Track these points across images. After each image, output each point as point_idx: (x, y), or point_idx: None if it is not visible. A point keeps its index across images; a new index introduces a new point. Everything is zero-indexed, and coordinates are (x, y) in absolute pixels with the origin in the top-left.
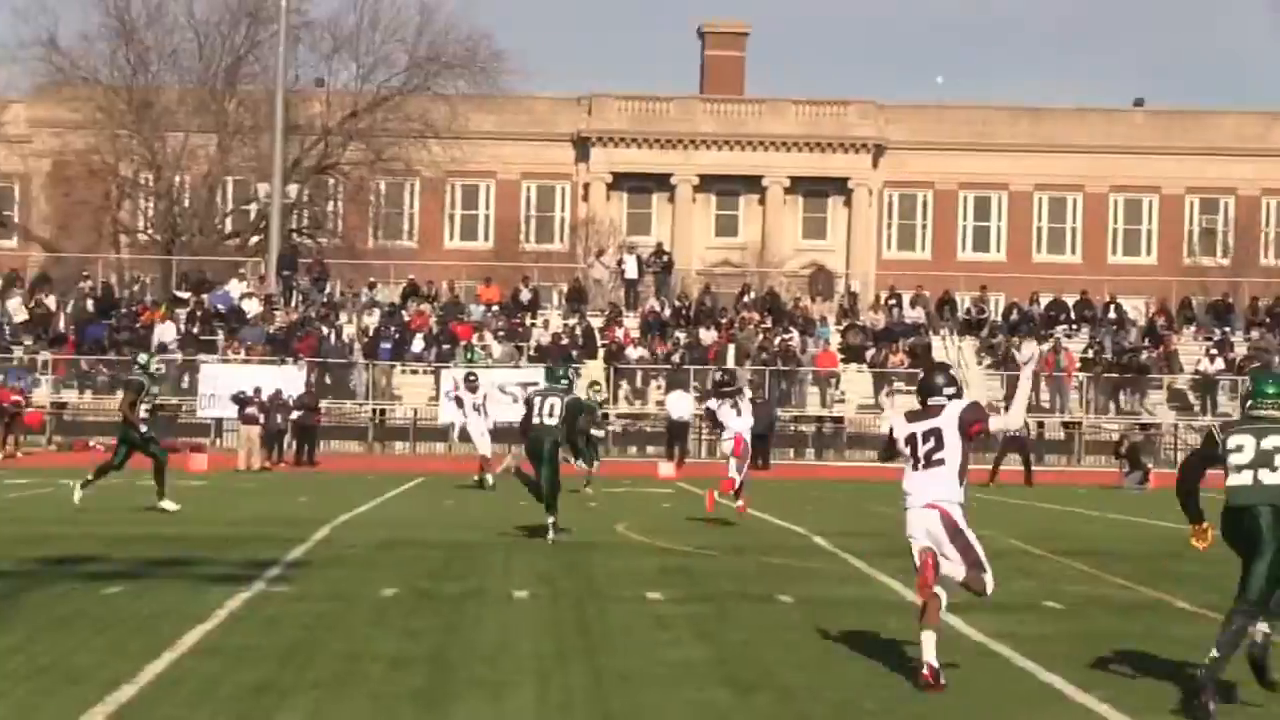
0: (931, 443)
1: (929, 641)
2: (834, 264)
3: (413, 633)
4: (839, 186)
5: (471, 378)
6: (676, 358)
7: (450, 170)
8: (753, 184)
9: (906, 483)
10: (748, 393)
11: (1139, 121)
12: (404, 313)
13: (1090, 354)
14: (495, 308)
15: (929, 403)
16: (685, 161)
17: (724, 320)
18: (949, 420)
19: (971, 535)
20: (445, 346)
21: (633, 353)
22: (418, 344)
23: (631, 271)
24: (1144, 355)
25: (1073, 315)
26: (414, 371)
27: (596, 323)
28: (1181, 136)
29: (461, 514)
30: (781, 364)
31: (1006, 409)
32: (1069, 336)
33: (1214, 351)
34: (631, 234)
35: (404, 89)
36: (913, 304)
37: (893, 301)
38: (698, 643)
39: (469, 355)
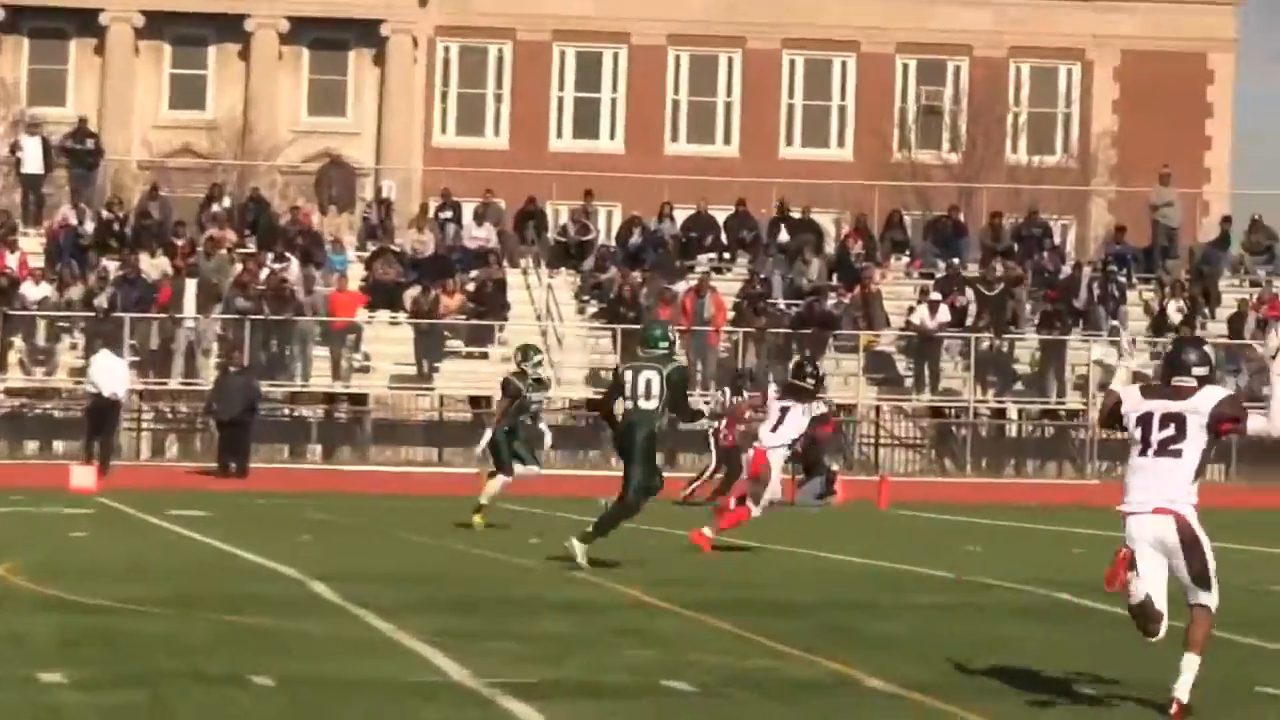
0: (1171, 429)
1: (1189, 670)
2: (357, 155)
3: None
4: (366, 34)
5: None
6: (104, 300)
7: None
8: (229, 27)
9: (1130, 471)
10: (820, 407)
11: None
12: None
13: (749, 298)
14: None
15: (1174, 382)
16: None
17: (181, 241)
18: (1199, 409)
19: (1208, 544)
20: None
21: (33, 291)
22: None
23: (33, 163)
24: (831, 300)
25: (724, 237)
26: None
27: None
28: None
29: None
30: (270, 311)
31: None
32: (718, 270)
33: (936, 295)
34: (35, 104)
35: None
36: (479, 219)
37: (448, 215)
38: None
39: None
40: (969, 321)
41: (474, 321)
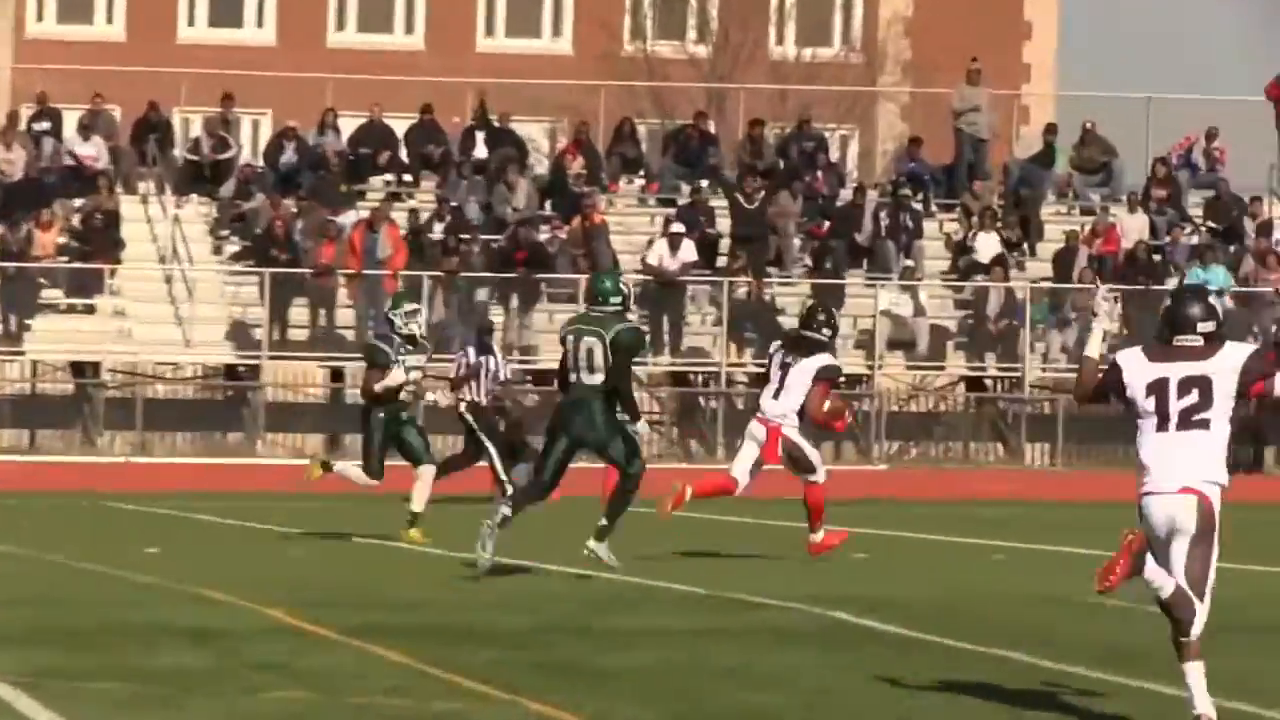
0: (1194, 395)
1: (1196, 679)
2: None
3: None
4: None
5: None
6: None
7: None
8: None
9: (1149, 451)
10: (828, 358)
11: None
12: None
13: (431, 235)
14: None
15: (1178, 341)
16: None
17: None
18: (1225, 368)
19: (1215, 547)
20: None
21: None
22: None
23: None
24: (543, 234)
25: (404, 153)
26: None
27: None
28: None
29: None
30: None
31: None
32: (397, 197)
33: (678, 228)
34: None
35: None
36: (85, 131)
37: (44, 126)
38: None
39: None
40: (721, 261)
41: (77, 265)
